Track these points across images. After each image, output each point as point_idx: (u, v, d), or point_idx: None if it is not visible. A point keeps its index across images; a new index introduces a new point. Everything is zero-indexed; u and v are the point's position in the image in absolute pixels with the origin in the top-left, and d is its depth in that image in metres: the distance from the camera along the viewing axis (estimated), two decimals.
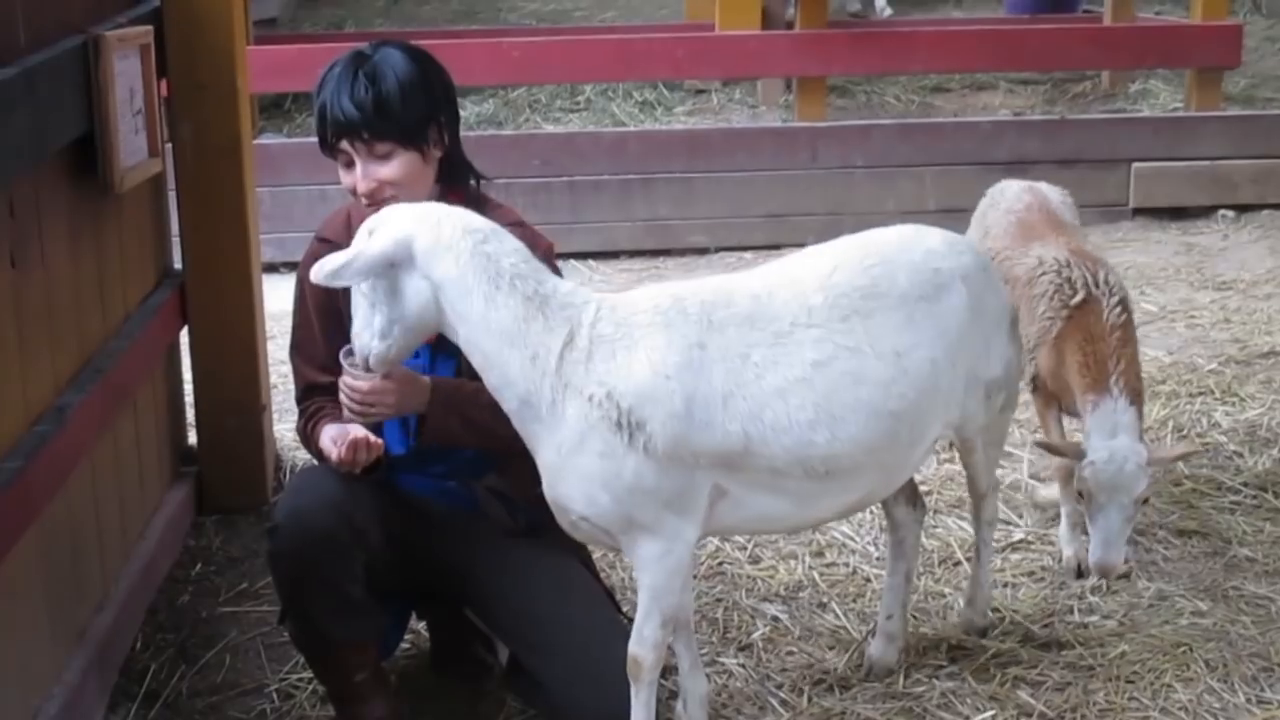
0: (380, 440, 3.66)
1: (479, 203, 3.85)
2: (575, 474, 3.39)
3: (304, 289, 3.89)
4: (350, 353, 3.49)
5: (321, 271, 3.32)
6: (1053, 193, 5.15)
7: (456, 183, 3.87)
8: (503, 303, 3.35)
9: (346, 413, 3.60)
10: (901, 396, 3.55)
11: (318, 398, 3.86)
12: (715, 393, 3.37)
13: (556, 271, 3.68)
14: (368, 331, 3.42)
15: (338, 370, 3.78)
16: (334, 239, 3.86)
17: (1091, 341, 4.44)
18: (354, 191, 3.76)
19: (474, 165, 3.94)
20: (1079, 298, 4.53)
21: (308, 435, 3.86)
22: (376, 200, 3.70)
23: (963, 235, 4.25)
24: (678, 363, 3.36)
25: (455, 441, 3.77)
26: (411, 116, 3.72)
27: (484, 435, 3.67)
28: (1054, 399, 4.69)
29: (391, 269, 3.34)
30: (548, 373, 3.36)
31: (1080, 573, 4.59)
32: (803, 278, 3.60)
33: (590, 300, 3.45)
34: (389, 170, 3.72)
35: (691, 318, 3.42)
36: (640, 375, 3.34)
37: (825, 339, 3.49)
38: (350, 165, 3.74)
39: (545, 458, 3.44)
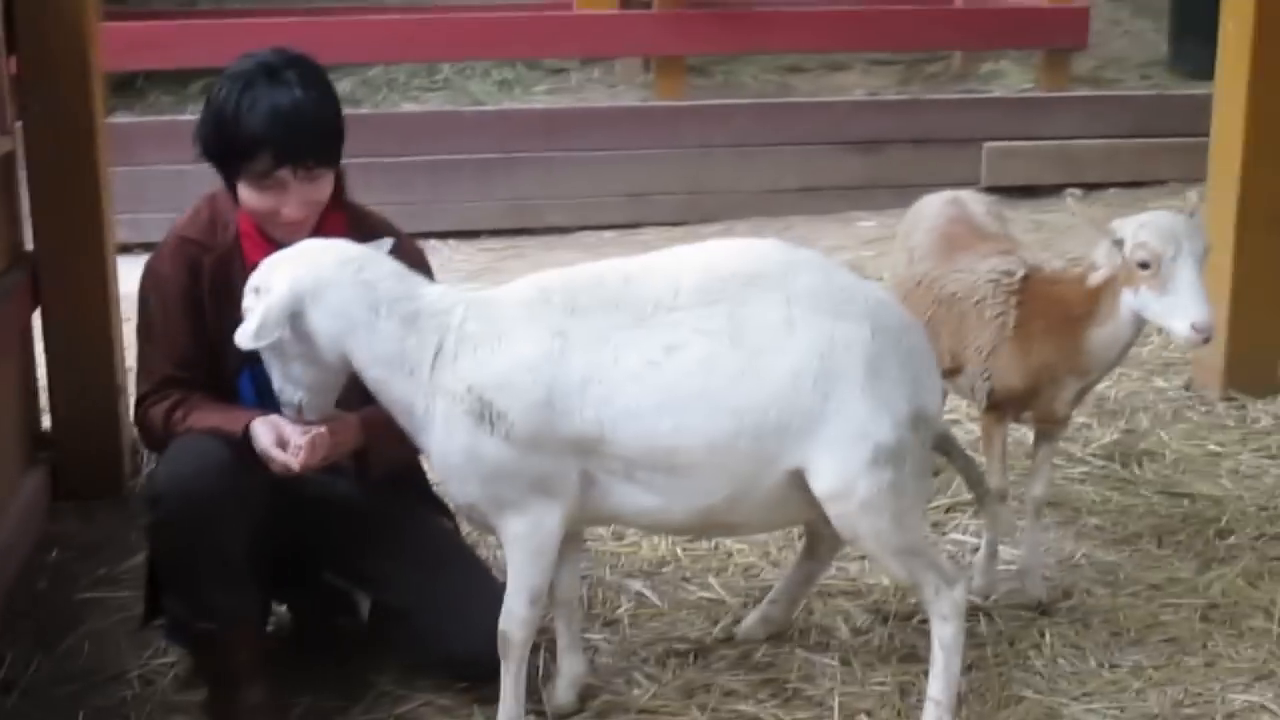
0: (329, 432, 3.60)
1: (355, 211, 3.88)
2: (447, 467, 3.49)
3: (163, 283, 3.79)
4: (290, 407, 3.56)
5: (243, 337, 3.38)
6: (976, 202, 4.72)
7: (336, 193, 3.81)
8: (383, 329, 3.43)
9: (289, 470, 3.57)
10: (748, 395, 3.35)
11: (173, 389, 3.78)
12: (575, 380, 3.38)
13: (430, 275, 3.74)
14: (289, 384, 3.52)
15: (197, 366, 3.73)
16: (200, 239, 3.79)
17: (1061, 281, 4.14)
18: (268, 213, 3.65)
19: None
20: (1020, 273, 4.19)
21: (170, 423, 3.72)
22: (301, 223, 3.68)
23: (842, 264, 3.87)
24: (537, 353, 3.39)
25: (397, 462, 3.84)
26: (342, 136, 3.70)
27: (414, 448, 3.67)
28: (1005, 418, 4.29)
29: (294, 317, 3.40)
30: (422, 383, 3.43)
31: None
32: (691, 259, 3.52)
33: (458, 302, 3.48)
34: (320, 192, 3.69)
35: (555, 306, 3.44)
36: (500, 368, 3.39)
37: (683, 323, 3.40)
38: (272, 188, 3.63)
39: (432, 461, 3.56)
